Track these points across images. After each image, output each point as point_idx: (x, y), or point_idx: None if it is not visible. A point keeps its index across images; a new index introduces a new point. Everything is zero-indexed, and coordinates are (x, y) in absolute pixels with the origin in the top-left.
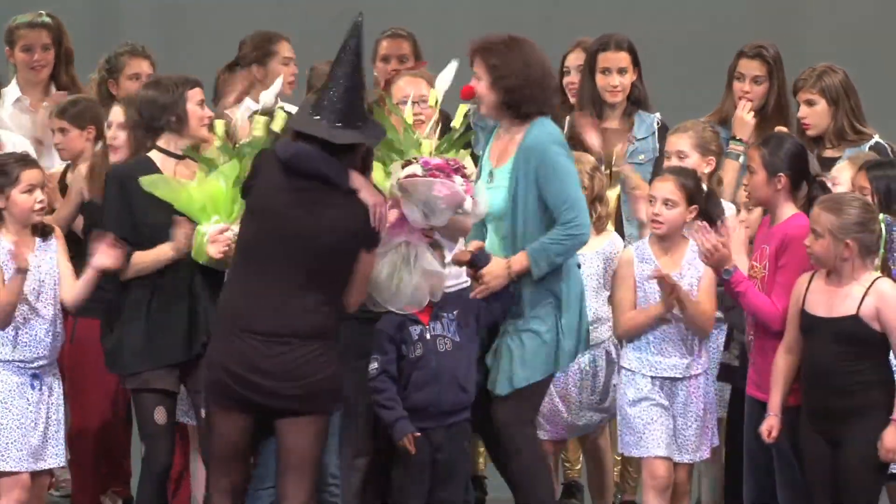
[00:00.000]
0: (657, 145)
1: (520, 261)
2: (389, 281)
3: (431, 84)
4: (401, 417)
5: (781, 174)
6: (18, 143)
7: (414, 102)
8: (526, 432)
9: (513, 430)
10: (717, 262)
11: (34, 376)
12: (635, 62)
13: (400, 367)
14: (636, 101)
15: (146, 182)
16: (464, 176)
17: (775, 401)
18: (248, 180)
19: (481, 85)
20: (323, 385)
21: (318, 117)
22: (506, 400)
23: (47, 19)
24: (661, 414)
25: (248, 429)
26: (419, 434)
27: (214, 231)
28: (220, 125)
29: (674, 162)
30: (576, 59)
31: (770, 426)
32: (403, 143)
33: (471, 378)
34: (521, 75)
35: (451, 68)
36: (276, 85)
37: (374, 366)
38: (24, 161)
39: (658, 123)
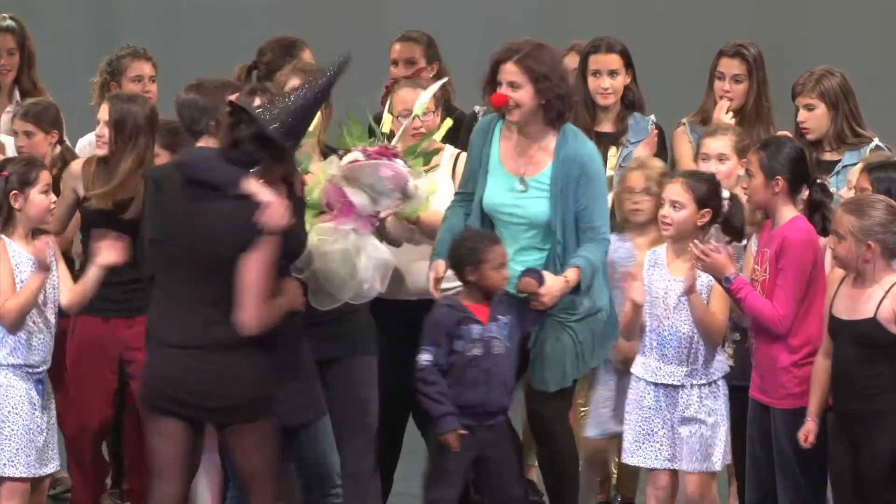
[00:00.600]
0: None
1: (574, 277)
2: (342, 269)
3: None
4: (448, 413)
5: (779, 177)
6: (8, 144)
7: (414, 116)
8: (567, 426)
9: (555, 424)
10: (711, 268)
11: (38, 381)
12: (628, 64)
13: (449, 362)
14: (630, 105)
15: None
16: (403, 161)
17: (813, 405)
18: (151, 193)
19: (522, 92)
20: (243, 397)
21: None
22: (553, 395)
23: (11, 23)
24: (663, 423)
25: (183, 438)
26: (465, 432)
27: None
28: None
29: (712, 165)
30: (570, 62)
31: (807, 431)
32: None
33: (513, 382)
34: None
35: (434, 87)
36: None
37: (426, 357)
38: (39, 162)
39: (653, 125)
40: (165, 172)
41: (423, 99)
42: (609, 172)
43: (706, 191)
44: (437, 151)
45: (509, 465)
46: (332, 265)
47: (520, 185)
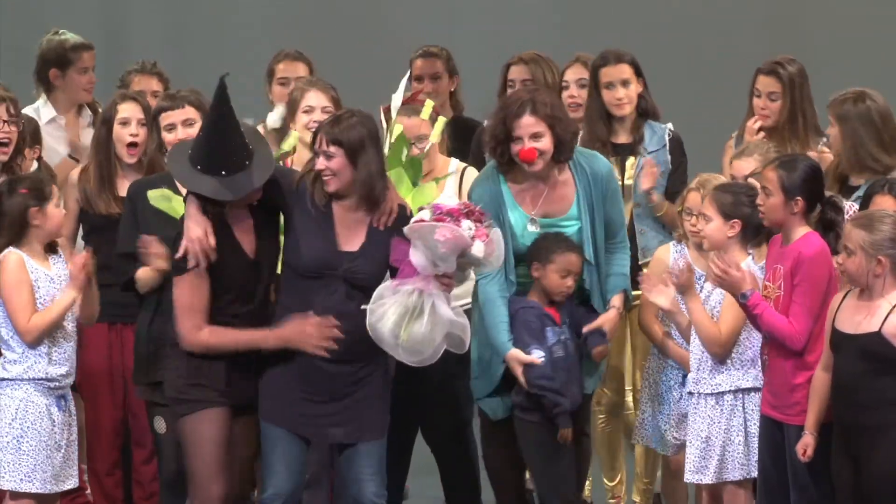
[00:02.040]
0: (668, 157)
1: (620, 303)
2: (395, 331)
3: (427, 109)
4: (567, 410)
5: (799, 198)
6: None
7: (412, 144)
8: (587, 430)
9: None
10: (729, 286)
11: (61, 397)
12: (638, 73)
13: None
14: (644, 113)
15: (152, 196)
16: (477, 221)
17: (811, 419)
18: (127, 207)
19: (545, 141)
20: (166, 388)
21: (200, 167)
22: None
23: (89, 41)
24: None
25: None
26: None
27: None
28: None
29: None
30: (574, 73)
31: (805, 445)
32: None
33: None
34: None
35: (402, 84)
36: (280, 108)
37: (539, 353)
38: (46, 176)
39: (670, 134)
40: (152, 183)
41: (396, 99)
42: (627, 182)
43: (731, 202)
44: (424, 156)
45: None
46: (382, 329)
47: (531, 226)
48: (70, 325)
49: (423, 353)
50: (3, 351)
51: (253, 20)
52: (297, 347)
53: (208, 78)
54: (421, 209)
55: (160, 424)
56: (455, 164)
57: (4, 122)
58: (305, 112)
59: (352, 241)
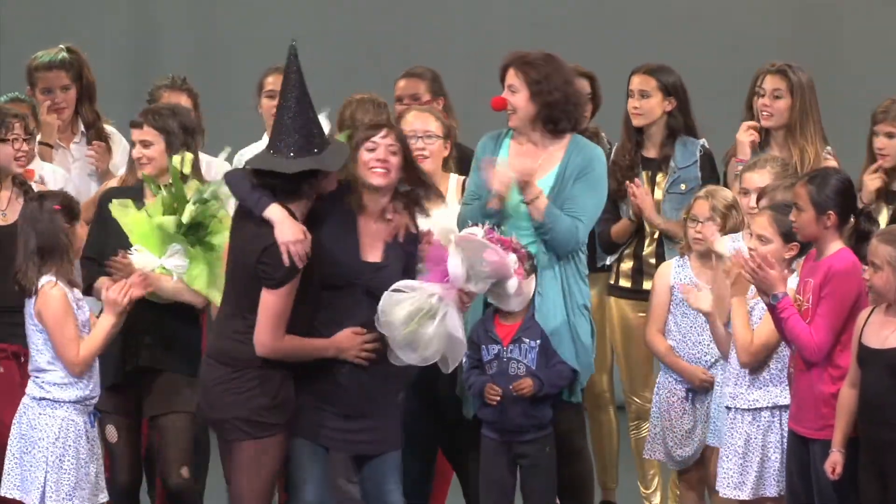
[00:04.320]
0: (699, 174)
1: (544, 199)
2: (403, 325)
3: (440, 119)
4: (481, 379)
5: (831, 212)
6: (59, 176)
7: (419, 137)
8: (585, 440)
9: (575, 436)
10: (762, 282)
11: (92, 414)
12: (666, 90)
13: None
14: (672, 133)
15: (114, 207)
16: (521, 259)
17: (838, 436)
18: (97, 213)
19: (518, 97)
20: (227, 412)
21: (272, 152)
22: (570, 407)
23: (65, 55)
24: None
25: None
26: (498, 388)
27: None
28: (176, 159)
29: (752, 199)
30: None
31: (834, 462)
32: None
33: (542, 405)
34: (562, 91)
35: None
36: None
37: (464, 360)
38: (71, 195)
39: (702, 150)
40: (121, 193)
41: None
42: (657, 196)
43: (790, 224)
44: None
45: (538, 472)
46: (393, 318)
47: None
48: None
49: (415, 353)
50: (39, 374)
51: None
52: (343, 357)
53: (237, 93)
54: (473, 224)
55: (111, 433)
56: (454, 179)
57: (23, 139)
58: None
59: (374, 251)
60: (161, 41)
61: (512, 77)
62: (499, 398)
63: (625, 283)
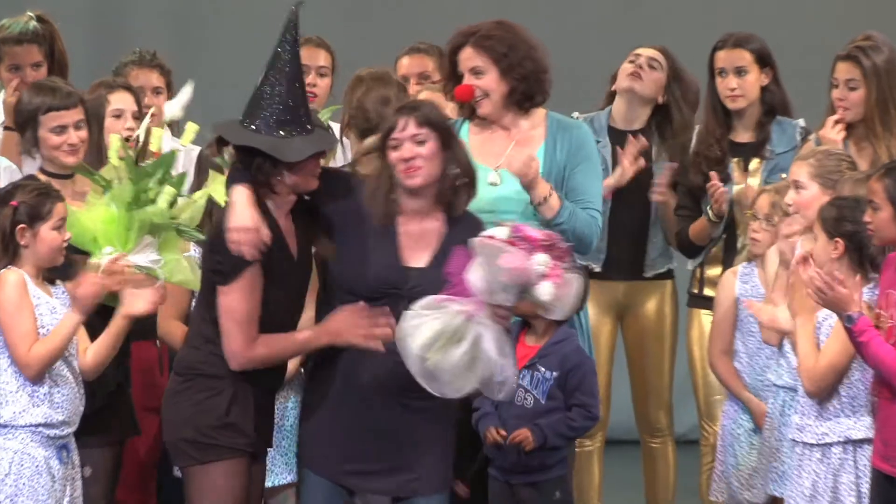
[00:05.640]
0: None
1: (557, 200)
2: (424, 349)
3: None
4: (486, 413)
5: None
6: (6, 166)
7: None
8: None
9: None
10: (833, 303)
11: (63, 448)
12: (762, 62)
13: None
14: (770, 110)
15: (79, 211)
16: (557, 258)
17: None
18: None
19: (487, 79)
20: (174, 432)
21: (254, 127)
22: None
23: (35, 25)
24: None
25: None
26: (503, 433)
27: (108, 262)
28: (115, 140)
29: (790, 194)
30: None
31: None
32: None
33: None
34: (531, 59)
35: (187, 91)
36: (184, 94)
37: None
38: (55, 192)
39: (802, 133)
40: None
41: (172, 108)
42: (754, 186)
43: (834, 217)
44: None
45: None
46: (412, 342)
47: (494, 177)
48: (76, 363)
49: (445, 383)
50: None
51: (267, 2)
52: (347, 343)
53: (216, 73)
54: (499, 224)
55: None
56: None
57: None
58: None
59: (418, 254)
60: (127, 8)
61: (472, 57)
62: (500, 440)
63: (710, 291)
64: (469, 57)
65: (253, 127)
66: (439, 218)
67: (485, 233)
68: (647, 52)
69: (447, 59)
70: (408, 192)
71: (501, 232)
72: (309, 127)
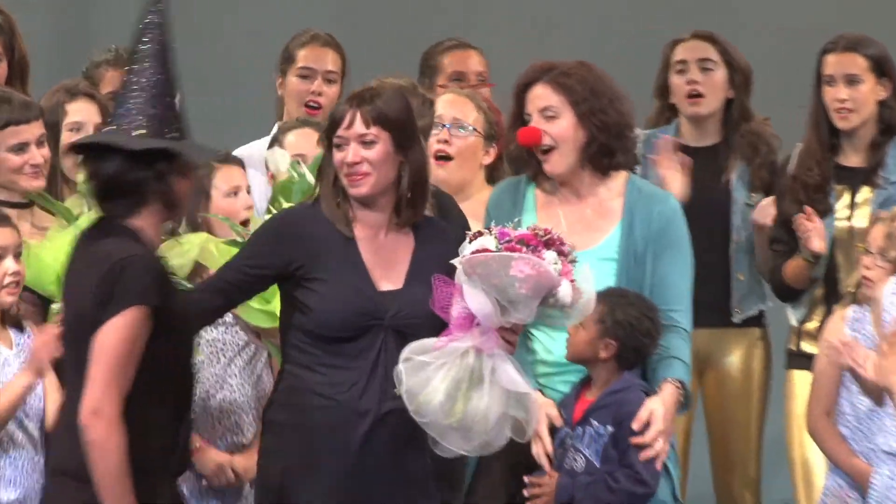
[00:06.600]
0: None
1: (673, 396)
2: (448, 407)
3: (482, 110)
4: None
5: None
6: None
7: (444, 126)
8: None
9: None
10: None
11: None
12: (879, 72)
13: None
14: (887, 129)
15: (46, 242)
16: (560, 252)
17: None
18: None
19: (559, 124)
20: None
21: (115, 126)
22: None
23: None
24: None
25: None
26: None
27: None
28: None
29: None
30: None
31: None
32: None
33: None
34: (615, 110)
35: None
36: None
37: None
38: (8, 221)
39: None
40: None
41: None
42: (860, 223)
43: None
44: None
45: None
46: (431, 405)
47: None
48: (35, 430)
49: (475, 441)
50: None
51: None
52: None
53: (199, 72)
54: (478, 234)
55: None
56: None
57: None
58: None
59: (389, 274)
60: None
61: (545, 96)
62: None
63: (810, 347)
64: (541, 95)
65: (139, 132)
66: (402, 228)
67: (469, 250)
68: (694, 54)
69: (513, 96)
70: (358, 202)
71: (488, 241)
72: (186, 130)
